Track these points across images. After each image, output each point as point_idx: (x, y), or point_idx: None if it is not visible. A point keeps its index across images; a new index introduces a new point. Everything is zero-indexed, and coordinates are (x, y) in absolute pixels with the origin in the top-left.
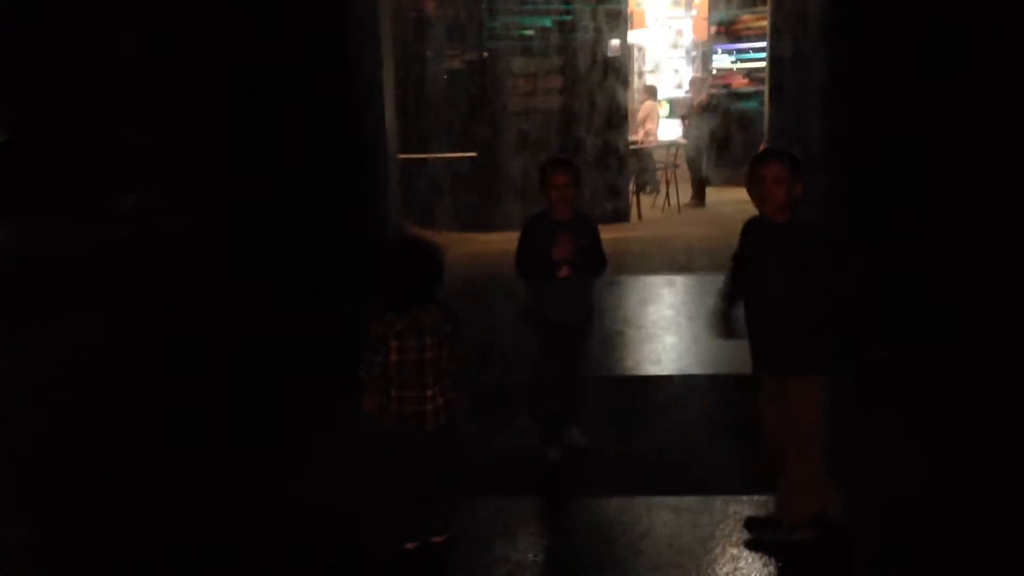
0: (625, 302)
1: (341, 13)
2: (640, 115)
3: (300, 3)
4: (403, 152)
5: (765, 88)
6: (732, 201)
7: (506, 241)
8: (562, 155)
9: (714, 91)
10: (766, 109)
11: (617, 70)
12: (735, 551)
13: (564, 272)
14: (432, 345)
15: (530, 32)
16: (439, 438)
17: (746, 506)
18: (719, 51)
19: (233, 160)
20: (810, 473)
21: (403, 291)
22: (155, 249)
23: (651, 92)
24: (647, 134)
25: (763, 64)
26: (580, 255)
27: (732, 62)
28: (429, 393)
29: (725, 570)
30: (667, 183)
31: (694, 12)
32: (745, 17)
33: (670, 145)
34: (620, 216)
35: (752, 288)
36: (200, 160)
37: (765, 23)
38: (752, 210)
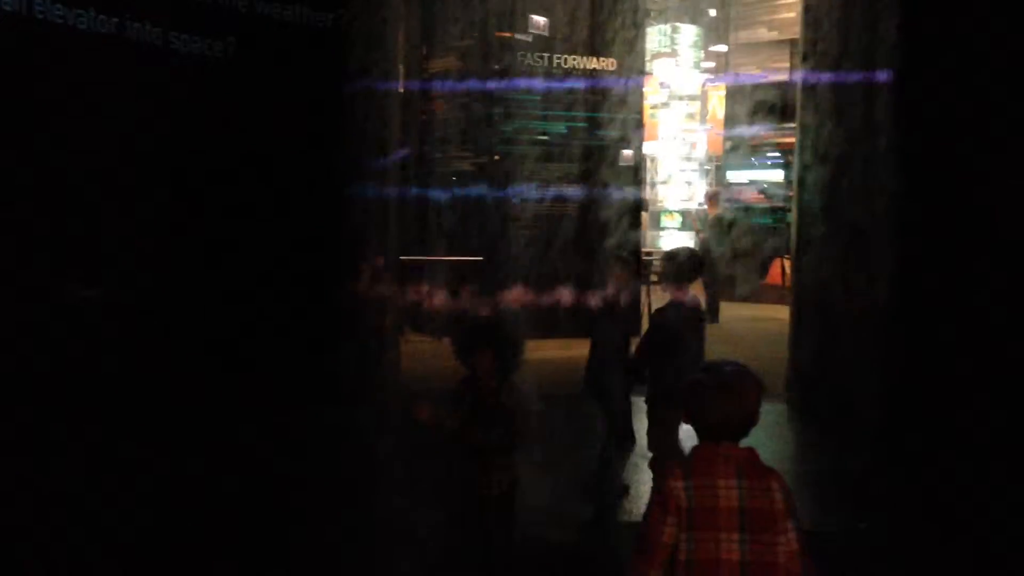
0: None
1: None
2: None
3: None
4: (404, 254)
5: (794, 203)
6: (747, 318)
7: None
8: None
9: (728, 205)
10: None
11: (630, 177)
12: None
13: None
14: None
15: (544, 137)
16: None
17: None
18: (734, 166)
19: (213, 253)
20: None
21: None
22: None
23: None
24: None
25: (779, 180)
26: None
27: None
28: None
29: None
30: None
31: (709, 126)
32: (763, 133)
33: None
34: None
35: None
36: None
37: (782, 140)
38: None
